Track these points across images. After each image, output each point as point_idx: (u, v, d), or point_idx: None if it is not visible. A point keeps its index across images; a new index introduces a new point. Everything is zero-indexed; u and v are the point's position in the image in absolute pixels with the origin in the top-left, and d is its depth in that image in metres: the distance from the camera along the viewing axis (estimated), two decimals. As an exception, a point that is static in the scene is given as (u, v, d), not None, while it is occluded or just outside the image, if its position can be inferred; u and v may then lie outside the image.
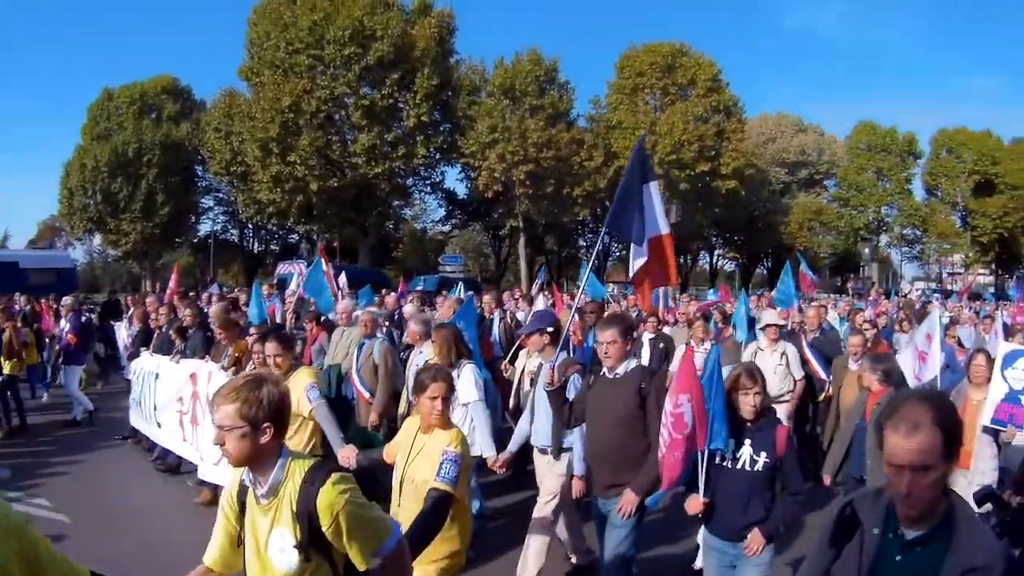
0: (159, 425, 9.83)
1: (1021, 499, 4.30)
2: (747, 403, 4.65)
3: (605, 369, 5.37)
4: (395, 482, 4.54)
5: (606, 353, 5.25)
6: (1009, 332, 11.07)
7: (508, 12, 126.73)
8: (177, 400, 9.26)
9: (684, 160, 46.43)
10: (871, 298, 27.27)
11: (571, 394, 5.86)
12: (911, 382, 7.73)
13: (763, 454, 4.58)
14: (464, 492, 4.35)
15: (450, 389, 4.45)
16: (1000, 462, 6.86)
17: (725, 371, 4.90)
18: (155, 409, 9.96)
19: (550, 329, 6.73)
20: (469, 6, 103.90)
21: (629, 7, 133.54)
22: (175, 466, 9.68)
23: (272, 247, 61.29)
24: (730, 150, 48.86)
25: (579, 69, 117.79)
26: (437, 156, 47.85)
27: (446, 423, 4.43)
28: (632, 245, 6.21)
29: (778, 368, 9.19)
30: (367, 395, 8.53)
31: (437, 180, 53.67)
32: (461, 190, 55.87)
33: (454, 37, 46.44)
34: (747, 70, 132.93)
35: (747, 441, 4.63)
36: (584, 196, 46.97)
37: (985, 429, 6.51)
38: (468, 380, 6.64)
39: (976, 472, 6.44)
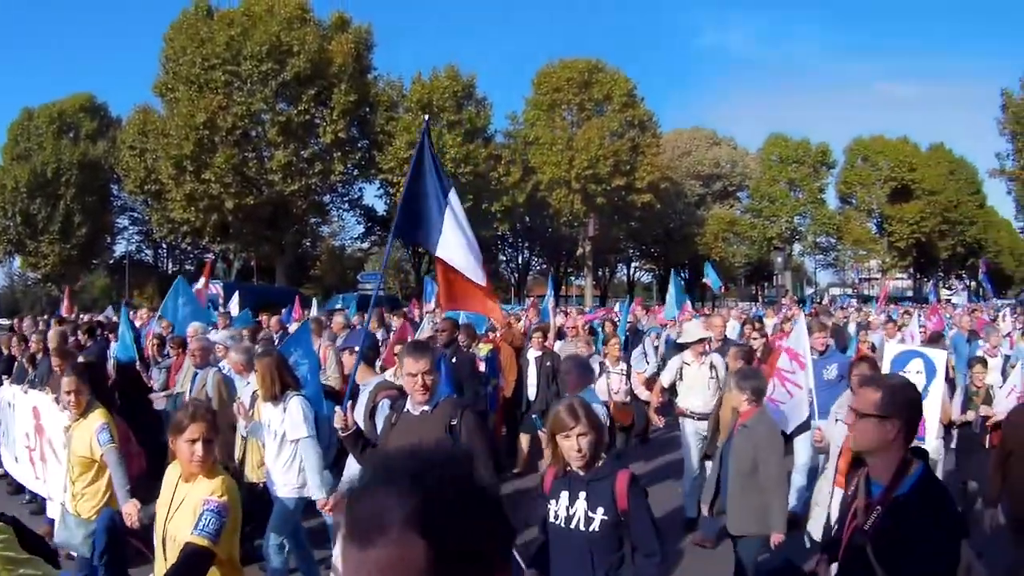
0: (16, 460, 8.63)
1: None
2: (570, 448, 3.76)
3: (410, 404, 4.70)
4: (156, 542, 3.97)
5: (418, 386, 4.55)
6: (932, 338, 11.12)
7: (426, 28, 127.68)
8: (24, 435, 8.21)
9: (600, 175, 47.48)
10: (784, 304, 27.74)
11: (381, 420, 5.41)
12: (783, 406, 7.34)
13: (600, 510, 3.72)
14: (231, 548, 3.87)
15: (212, 430, 3.87)
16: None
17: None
18: (13, 442, 8.68)
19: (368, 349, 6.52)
20: (387, 22, 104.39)
21: (546, 24, 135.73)
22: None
23: (187, 267, 60.45)
24: (645, 164, 50.15)
25: (496, 85, 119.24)
26: (355, 172, 47.97)
27: (210, 469, 3.85)
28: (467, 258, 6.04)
29: (709, 382, 8.59)
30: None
31: (355, 197, 53.76)
32: (380, 206, 55.81)
33: (372, 53, 46.81)
34: (662, 86, 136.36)
35: (580, 494, 3.79)
36: (503, 211, 47.51)
37: None
38: (296, 414, 5.92)
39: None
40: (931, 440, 5.99)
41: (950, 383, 8.96)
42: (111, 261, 57.04)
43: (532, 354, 11.13)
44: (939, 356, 6.27)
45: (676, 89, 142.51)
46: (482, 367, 10.06)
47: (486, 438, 4.86)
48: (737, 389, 5.65)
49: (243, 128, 41.82)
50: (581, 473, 3.80)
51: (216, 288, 33.14)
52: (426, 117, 7.67)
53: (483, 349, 10.50)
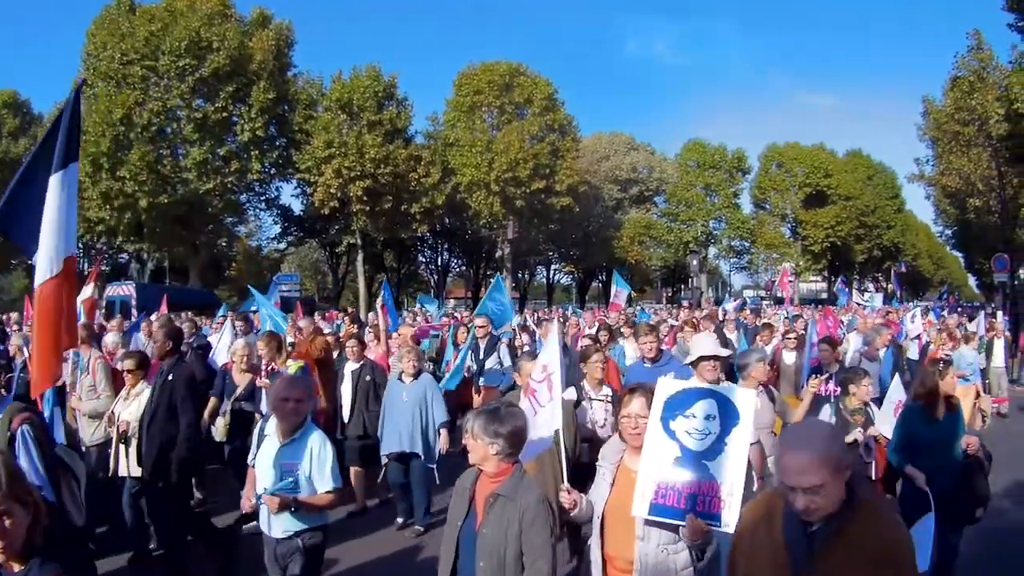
0: None
1: None
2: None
3: None
4: None
5: None
6: (830, 342, 9.91)
7: (348, 27, 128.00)
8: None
9: (520, 177, 48.35)
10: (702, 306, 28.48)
11: None
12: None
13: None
14: None
15: None
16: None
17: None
18: None
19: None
20: (308, 20, 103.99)
21: (469, 26, 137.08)
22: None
23: (102, 268, 59.73)
24: (565, 168, 51.27)
25: (418, 86, 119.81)
26: (272, 171, 47.90)
27: None
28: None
29: None
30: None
31: (272, 196, 53.54)
32: (297, 206, 56.18)
33: (292, 50, 46.98)
34: (582, 90, 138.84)
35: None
36: (422, 212, 48.25)
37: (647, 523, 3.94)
38: None
39: None
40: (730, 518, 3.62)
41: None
42: (30, 261, 56.13)
43: (349, 367, 9.95)
44: (744, 397, 3.94)
45: (596, 94, 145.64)
46: None
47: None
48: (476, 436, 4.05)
49: (159, 125, 41.68)
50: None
51: (128, 290, 33.62)
52: (80, 80, 7.78)
53: (292, 366, 9.46)
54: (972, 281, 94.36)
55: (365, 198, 45.65)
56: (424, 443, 8.82)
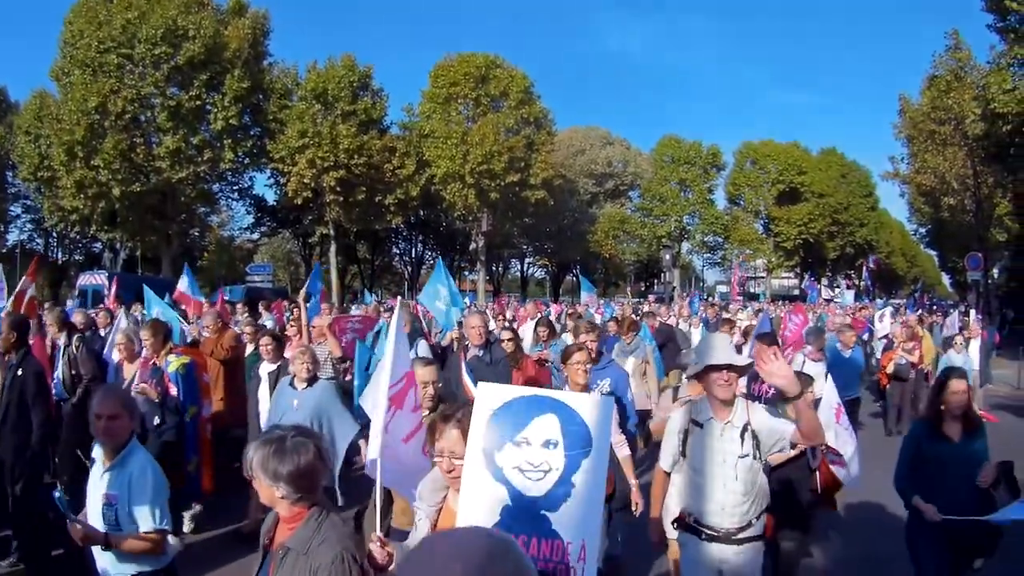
0: None
1: None
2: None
3: None
4: None
5: None
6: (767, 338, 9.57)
7: (324, 16, 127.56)
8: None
9: (495, 170, 48.52)
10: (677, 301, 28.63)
11: None
12: None
13: None
14: None
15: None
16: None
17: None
18: None
19: None
20: (284, 8, 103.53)
21: (446, 18, 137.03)
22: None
23: (76, 257, 59.79)
24: (540, 161, 51.48)
25: (393, 77, 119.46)
26: (245, 161, 47.78)
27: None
28: None
29: (740, 463, 5.52)
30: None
31: (245, 186, 53.72)
32: (270, 196, 56.28)
33: (268, 39, 46.93)
34: (558, 83, 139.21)
35: None
36: (396, 204, 48.71)
37: None
38: None
39: None
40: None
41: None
42: (3, 250, 56.13)
43: (264, 368, 8.81)
44: (596, 409, 3.04)
45: (572, 88, 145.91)
46: (173, 390, 7.99)
47: None
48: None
49: (133, 113, 41.67)
50: None
51: (101, 279, 33.71)
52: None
53: (173, 363, 8.24)
54: (946, 279, 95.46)
55: (339, 189, 46.06)
56: None
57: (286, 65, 49.19)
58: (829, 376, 8.98)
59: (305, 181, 45.52)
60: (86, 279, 34.15)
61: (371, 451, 3.97)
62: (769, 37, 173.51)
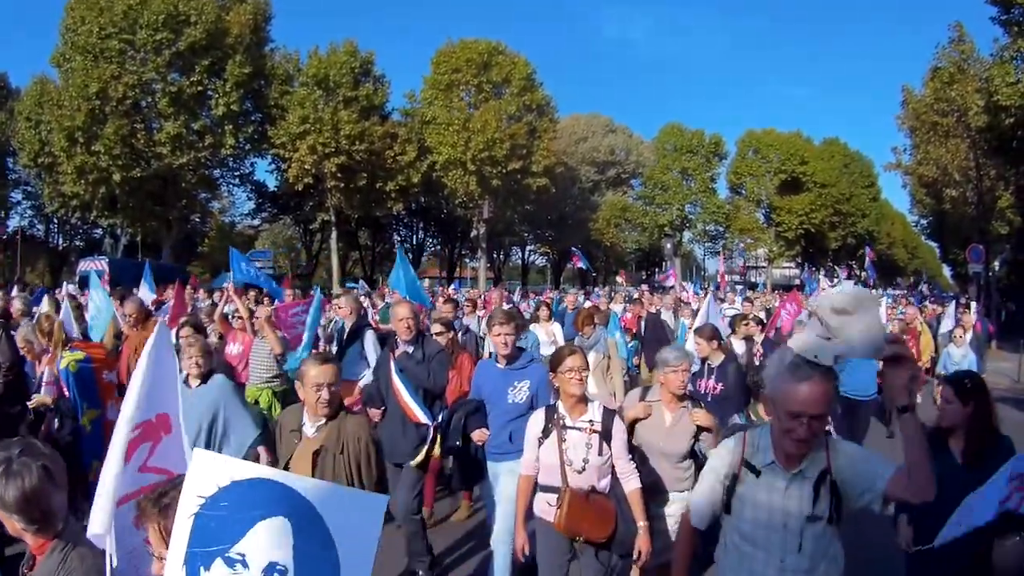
0: None
1: None
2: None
3: None
4: None
5: None
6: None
7: (326, 2, 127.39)
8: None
9: (497, 157, 48.33)
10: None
11: None
12: None
13: None
14: None
15: None
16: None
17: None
18: None
19: None
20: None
21: (448, 4, 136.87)
22: None
23: (76, 243, 59.69)
24: (542, 148, 51.25)
25: (395, 63, 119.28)
26: (246, 147, 47.90)
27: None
28: None
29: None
30: None
31: (246, 172, 53.64)
32: (271, 182, 56.03)
33: (269, 25, 46.79)
34: (561, 70, 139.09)
35: None
36: (397, 190, 48.59)
37: None
38: None
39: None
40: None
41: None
42: (4, 237, 56.14)
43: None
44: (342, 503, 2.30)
45: (574, 75, 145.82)
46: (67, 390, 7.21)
47: None
48: None
49: (134, 99, 41.59)
50: None
51: (101, 264, 33.74)
52: None
53: (65, 359, 7.37)
54: (947, 272, 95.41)
55: (340, 175, 45.95)
56: None
57: (288, 51, 49.00)
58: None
59: (306, 167, 45.37)
60: (86, 265, 34.12)
61: (95, 523, 2.96)
62: (772, 26, 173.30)
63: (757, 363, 9.66)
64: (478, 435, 6.16)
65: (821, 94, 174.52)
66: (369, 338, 9.34)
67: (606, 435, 4.93)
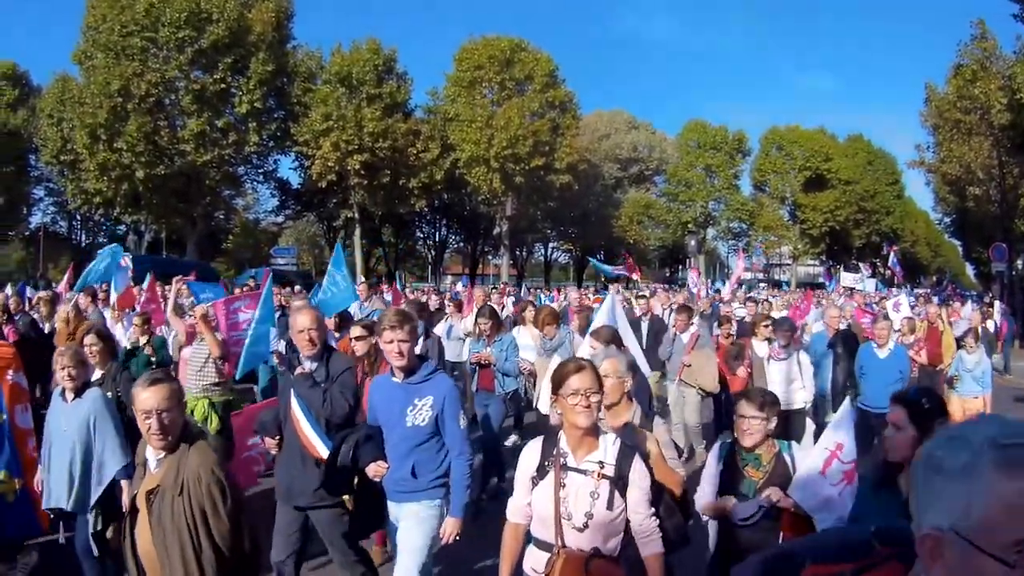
0: None
1: None
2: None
3: None
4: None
5: None
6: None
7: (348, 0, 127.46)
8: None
9: (520, 154, 48.04)
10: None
11: None
12: None
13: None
14: None
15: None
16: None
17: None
18: None
19: None
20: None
21: (470, 1, 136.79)
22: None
23: (100, 239, 59.71)
24: (565, 145, 50.91)
25: (418, 60, 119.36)
26: (270, 144, 47.89)
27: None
28: None
29: None
30: None
31: (270, 169, 53.40)
32: (295, 179, 55.82)
33: (292, 22, 46.68)
34: (584, 66, 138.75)
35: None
36: (420, 187, 48.35)
37: None
38: None
39: None
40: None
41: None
42: (27, 233, 56.49)
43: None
44: None
45: (597, 71, 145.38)
46: None
47: None
48: None
49: (157, 96, 41.56)
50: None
51: (125, 261, 33.67)
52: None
53: None
54: (970, 270, 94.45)
55: (363, 172, 45.76)
56: (86, 497, 5.67)
57: (310, 48, 48.96)
58: (808, 381, 8.74)
59: (329, 164, 45.23)
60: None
61: None
62: (795, 21, 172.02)
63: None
64: (373, 469, 4.96)
65: (844, 89, 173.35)
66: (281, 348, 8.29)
67: (620, 482, 3.66)
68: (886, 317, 12.11)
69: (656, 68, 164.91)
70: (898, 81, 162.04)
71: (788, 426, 8.35)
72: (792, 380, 9.39)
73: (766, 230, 66.86)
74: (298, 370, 5.70)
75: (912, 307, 19.39)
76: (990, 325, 19.23)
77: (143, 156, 40.68)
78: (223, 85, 42.49)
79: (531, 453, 3.87)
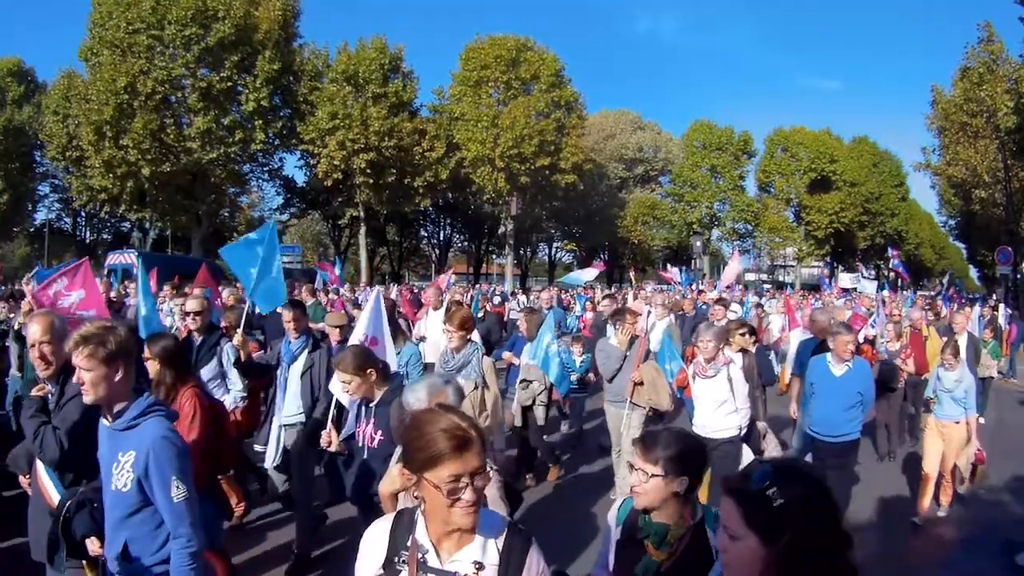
0: None
1: None
2: None
3: None
4: None
5: None
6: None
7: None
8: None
9: (525, 154, 47.97)
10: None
11: None
12: None
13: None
14: None
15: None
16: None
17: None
18: None
19: None
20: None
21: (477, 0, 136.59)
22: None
23: (104, 236, 59.94)
24: (570, 145, 50.75)
25: (424, 59, 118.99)
26: (276, 142, 47.85)
27: None
28: None
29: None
30: None
31: (275, 167, 53.47)
32: (300, 178, 55.88)
33: (298, 21, 46.64)
34: (589, 66, 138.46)
35: None
36: (425, 186, 48.19)
37: None
38: None
39: None
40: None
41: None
42: (31, 229, 56.48)
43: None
44: None
45: (603, 71, 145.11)
46: None
47: None
48: None
49: (163, 93, 41.53)
50: None
51: (130, 258, 33.79)
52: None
53: None
54: (974, 273, 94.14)
55: (368, 171, 45.59)
56: None
57: (317, 47, 48.80)
58: (742, 402, 7.31)
59: (335, 163, 45.18)
60: (115, 258, 34.16)
61: None
62: (801, 22, 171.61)
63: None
64: (93, 548, 3.78)
65: (850, 90, 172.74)
66: (228, 356, 7.46)
67: None
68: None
69: (662, 68, 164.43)
70: (904, 83, 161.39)
71: (716, 462, 6.77)
72: (722, 401, 7.51)
73: (771, 231, 66.69)
74: (33, 391, 4.35)
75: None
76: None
77: (149, 153, 40.66)
78: (229, 83, 42.50)
79: (375, 541, 2.50)
